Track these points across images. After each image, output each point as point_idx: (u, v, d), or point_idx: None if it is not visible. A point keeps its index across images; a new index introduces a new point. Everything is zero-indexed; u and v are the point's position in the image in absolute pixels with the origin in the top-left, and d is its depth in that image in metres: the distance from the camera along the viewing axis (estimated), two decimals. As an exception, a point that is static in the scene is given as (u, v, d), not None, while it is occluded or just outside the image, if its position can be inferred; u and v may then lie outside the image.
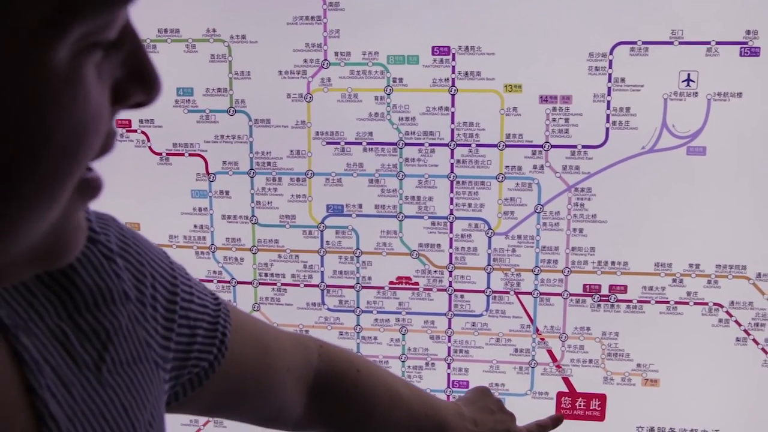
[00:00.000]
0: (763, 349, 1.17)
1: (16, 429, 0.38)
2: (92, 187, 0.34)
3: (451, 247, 1.21)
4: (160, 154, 1.24)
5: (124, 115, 1.23)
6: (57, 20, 0.27)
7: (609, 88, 1.13)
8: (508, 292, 1.21)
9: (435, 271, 1.21)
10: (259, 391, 0.61)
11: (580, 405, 1.22)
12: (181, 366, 0.52)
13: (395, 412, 0.71)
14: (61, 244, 0.33)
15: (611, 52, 1.12)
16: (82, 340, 0.42)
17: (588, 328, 1.20)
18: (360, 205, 1.21)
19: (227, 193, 1.24)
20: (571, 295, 1.20)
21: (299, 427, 0.67)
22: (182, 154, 1.23)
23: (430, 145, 1.18)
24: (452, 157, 1.18)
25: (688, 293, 1.17)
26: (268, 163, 1.22)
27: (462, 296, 1.22)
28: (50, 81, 0.28)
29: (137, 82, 0.34)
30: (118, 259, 0.46)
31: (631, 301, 1.19)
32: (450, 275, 1.22)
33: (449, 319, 1.22)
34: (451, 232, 1.20)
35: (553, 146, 1.16)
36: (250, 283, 1.25)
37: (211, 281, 1.26)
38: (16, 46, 0.26)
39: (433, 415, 0.72)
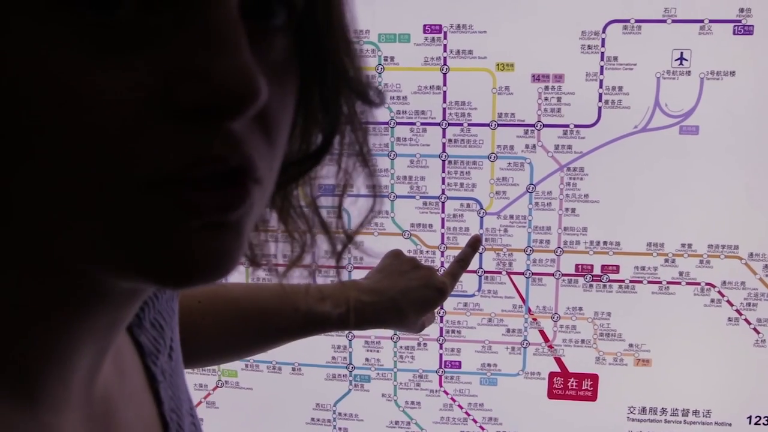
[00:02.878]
0: (755, 329, 1.17)
1: (146, 414, 0.42)
2: (183, 203, 0.27)
3: (443, 227, 1.20)
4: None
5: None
6: None
7: (601, 67, 1.12)
8: (500, 272, 1.21)
9: (427, 252, 1.21)
10: None
11: (572, 385, 1.22)
12: None
13: (252, 326, 0.70)
14: (143, 259, 0.28)
15: (604, 31, 1.11)
16: (164, 329, 0.46)
17: (580, 309, 1.20)
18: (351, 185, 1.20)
19: (218, 173, 1.23)
20: (563, 275, 1.19)
21: None
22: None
23: (422, 124, 1.17)
24: (444, 136, 1.17)
25: (681, 273, 1.17)
26: (259, 143, 1.21)
27: (454, 276, 1.22)
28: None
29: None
30: None
31: (623, 281, 1.18)
32: (442, 255, 1.21)
33: (441, 300, 1.22)
34: (443, 212, 1.20)
35: (545, 125, 1.15)
36: (241, 263, 1.25)
37: (202, 262, 1.25)
38: None
39: (304, 306, 0.70)
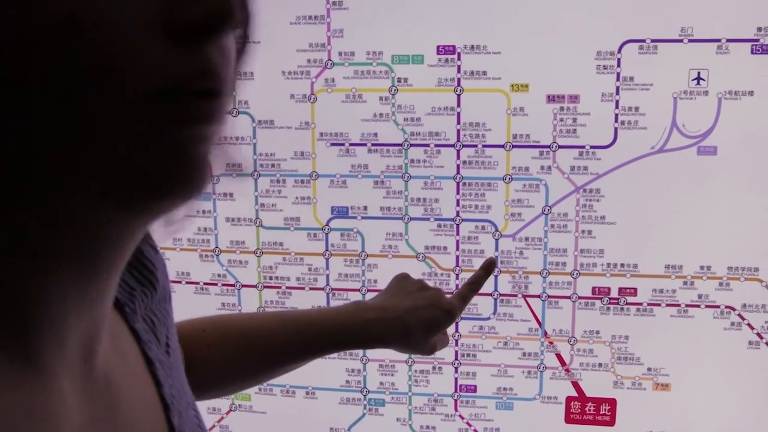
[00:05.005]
0: (776, 353, 1.14)
1: (147, 394, 0.44)
2: (192, 109, 0.32)
3: (457, 249, 1.19)
4: (163, 156, 1.22)
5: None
6: None
7: (617, 87, 1.11)
8: (515, 295, 1.19)
9: (441, 274, 1.20)
10: None
11: (589, 410, 1.20)
12: None
13: (254, 351, 0.70)
14: (163, 170, 0.32)
15: (619, 51, 1.10)
16: (157, 326, 0.49)
17: (597, 332, 1.18)
18: (365, 207, 1.20)
19: (231, 195, 1.22)
20: (579, 297, 1.18)
21: None
22: (185, 156, 1.22)
23: (436, 146, 1.16)
24: (458, 158, 1.16)
25: (700, 296, 1.15)
26: (272, 165, 1.20)
27: (469, 299, 1.20)
28: None
29: None
30: (161, 266, 0.52)
31: (641, 303, 1.17)
32: (457, 278, 1.20)
33: (456, 323, 1.21)
34: (457, 234, 1.19)
35: (560, 146, 1.14)
36: (254, 286, 1.24)
37: (216, 284, 1.25)
38: None
39: (306, 328, 0.71)
